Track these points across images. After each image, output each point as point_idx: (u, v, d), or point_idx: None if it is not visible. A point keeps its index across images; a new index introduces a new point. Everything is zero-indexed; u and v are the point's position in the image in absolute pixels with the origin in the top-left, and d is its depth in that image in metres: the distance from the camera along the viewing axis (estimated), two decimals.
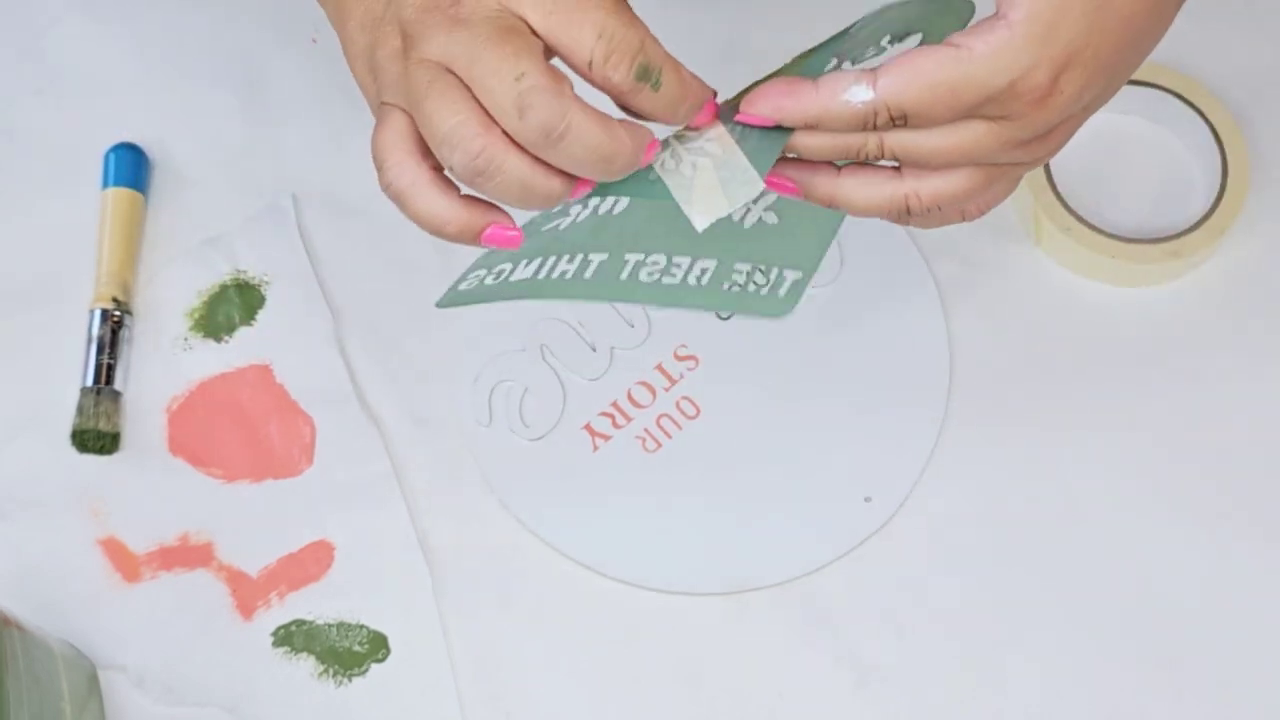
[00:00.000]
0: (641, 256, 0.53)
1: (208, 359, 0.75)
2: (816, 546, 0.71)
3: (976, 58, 0.47)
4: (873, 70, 0.48)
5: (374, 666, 0.69)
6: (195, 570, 0.71)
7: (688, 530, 0.71)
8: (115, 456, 0.72)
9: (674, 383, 0.74)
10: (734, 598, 0.70)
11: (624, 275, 0.53)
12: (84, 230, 0.77)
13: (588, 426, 0.73)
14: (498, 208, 0.49)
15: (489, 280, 0.53)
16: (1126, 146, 0.77)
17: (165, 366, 0.75)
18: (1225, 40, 0.79)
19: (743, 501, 0.72)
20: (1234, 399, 0.73)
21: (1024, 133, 0.49)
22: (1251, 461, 0.72)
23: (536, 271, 0.53)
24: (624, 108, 0.49)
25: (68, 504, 0.72)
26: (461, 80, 0.46)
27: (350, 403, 0.73)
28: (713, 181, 0.49)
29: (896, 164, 0.52)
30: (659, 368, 0.74)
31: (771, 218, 0.54)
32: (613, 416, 0.73)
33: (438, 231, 0.49)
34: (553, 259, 0.53)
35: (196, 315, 0.76)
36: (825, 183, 0.52)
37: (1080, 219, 0.74)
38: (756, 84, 0.51)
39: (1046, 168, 0.75)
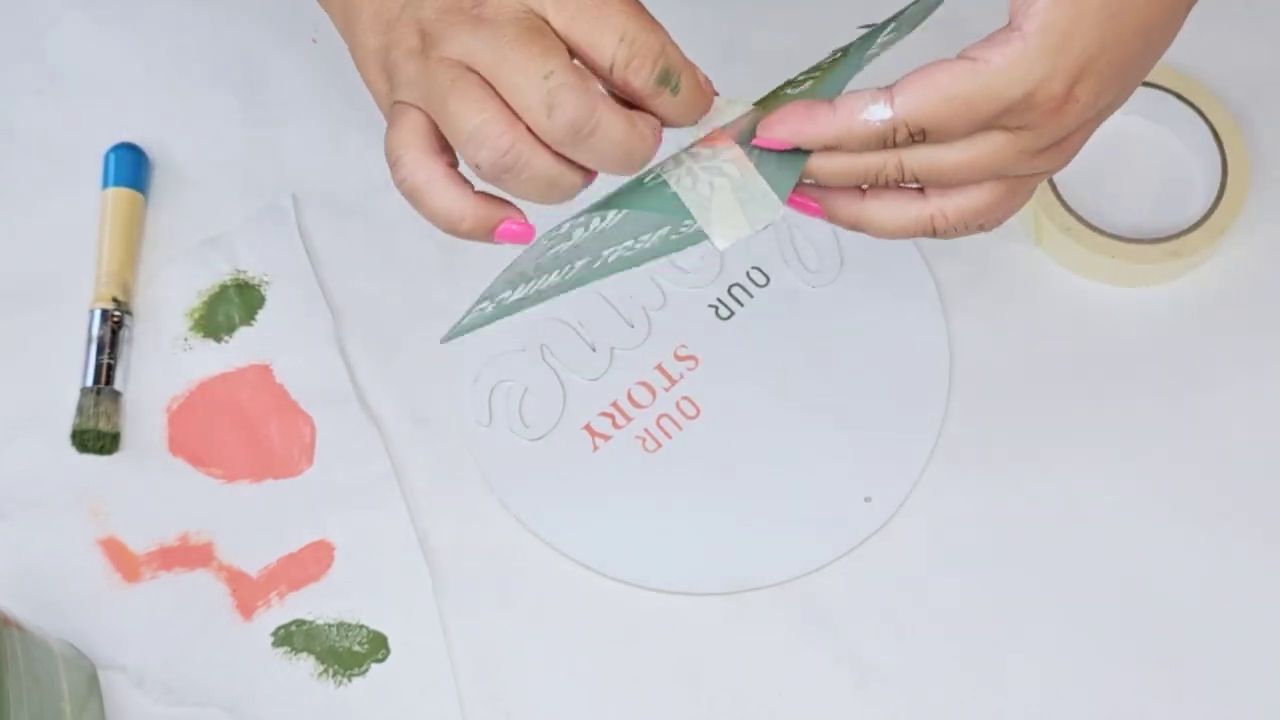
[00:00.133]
0: (615, 246, 0.54)
1: (208, 359, 0.75)
2: (816, 546, 0.71)
3: (992, 70, 0.47)
4: (888, 88, 0.48)
5: (374, 666, 0.69)
6: (195, 570, 0.71)
7: (688, 530, 0.71)
8: (115, 456, 0.72)
9: (674, 383, 0.74)
10: (734, 598, 0.70)
11: (597, 264, 0.54)
12: (84, 230, 0.77)
13: (588, 426, 0.73)
14: (510, 204, 0.49)
15: (489, 309, 0.53)
16: (1126, 146, 0.77)
17: (165, 366, 0.75)
18: (1225, 40, 0.79)
19: (743, 501, 0.72)
20: (1234, 399, 0.73)
21: (1041, 142, 0.49)
22: (1251, 462, 0.72)
23: (528, 289, 0.53)
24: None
25: (68, 504, 0.72)
26: (484, 79, 0.47)
27: (350, 403, 0.73)
28: (732, 203, 0.49)
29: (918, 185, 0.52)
30: (659, 368, 0.74)
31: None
32: (613, 416, 0.73)
33: (453, 227, 0.49)
34: (544, 274, 0.53)
35: (196, 315, 0.76)
36: (850, 205, 0.53)
37: (1080, 219, 0.74)
38: (766, 101, 0.52)
39: None
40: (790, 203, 0.53)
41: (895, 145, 0.49)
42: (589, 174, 0.49)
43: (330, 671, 0.69)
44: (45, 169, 0.79)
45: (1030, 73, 0.47)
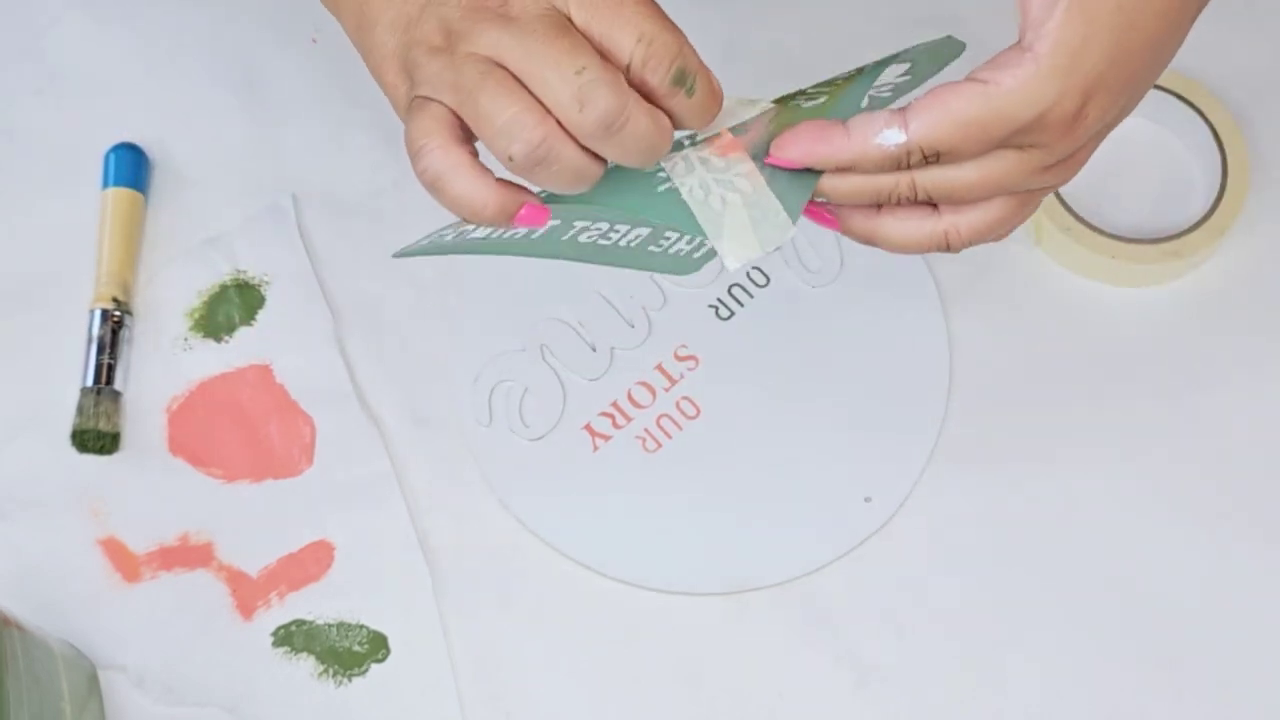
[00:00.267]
0: (588, 224, 0.54)
1: (208, 359, 0.75)
2: (816, 546, 0.71)
3: (1005, 93, 0.47)
4: (902, 111, 0.49)
5: (374, 666, 0.69)
6: (195, 570, 0.71)
7: (688, 530, 0.71)
8: (115, 456, 0.72)
9: (674, 383, 0.74)
10: (734, 598, 0.70)
11: (566, 237, 0.54)
12: (84, 230, 0.77)
13: (588, 426, 0.73)
14: (527, 189, 0.50)
15: (449, 236, 0.54)
16: (1126, 146, 0.77)
17: (165, 366, 0.75)
18: (1225, 40, 0.79)
19: (743, 501, 0.72)
20: (1234, 399, 0.73)
21: (1051, 158, 0.50)
22: (1251, 461, 0.72)
23: (491, 232, 0.53)
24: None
25: (68, 504, 0.72)
26: (512, 74, 0.48)
27: (350, 403, 0.74)
28: (744, 220, 0.49)
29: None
30: (659, 368, 0.74)
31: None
32: (613, 416, 0.73)
33: (476, 214, 0.50)
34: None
35: (196, 315, 0.76)
36: (866, 221, 0.53)
37: (1080, 219, 0.74)
38: (780, 110, 0.52)
39: None
40: (807, 213, 0.54)
41: (909, 167, 0.50)
42: (605, 164, 0.50)
43: (330, 671, 0.69)
44: (45, 169, 0.79)
45: (1043, 94, 0.47)
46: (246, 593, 0.70)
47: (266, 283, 0.76)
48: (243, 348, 0.75)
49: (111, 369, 0.73)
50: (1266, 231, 0.76)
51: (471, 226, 0.53)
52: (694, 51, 0.49)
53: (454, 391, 0.74)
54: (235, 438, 0.73)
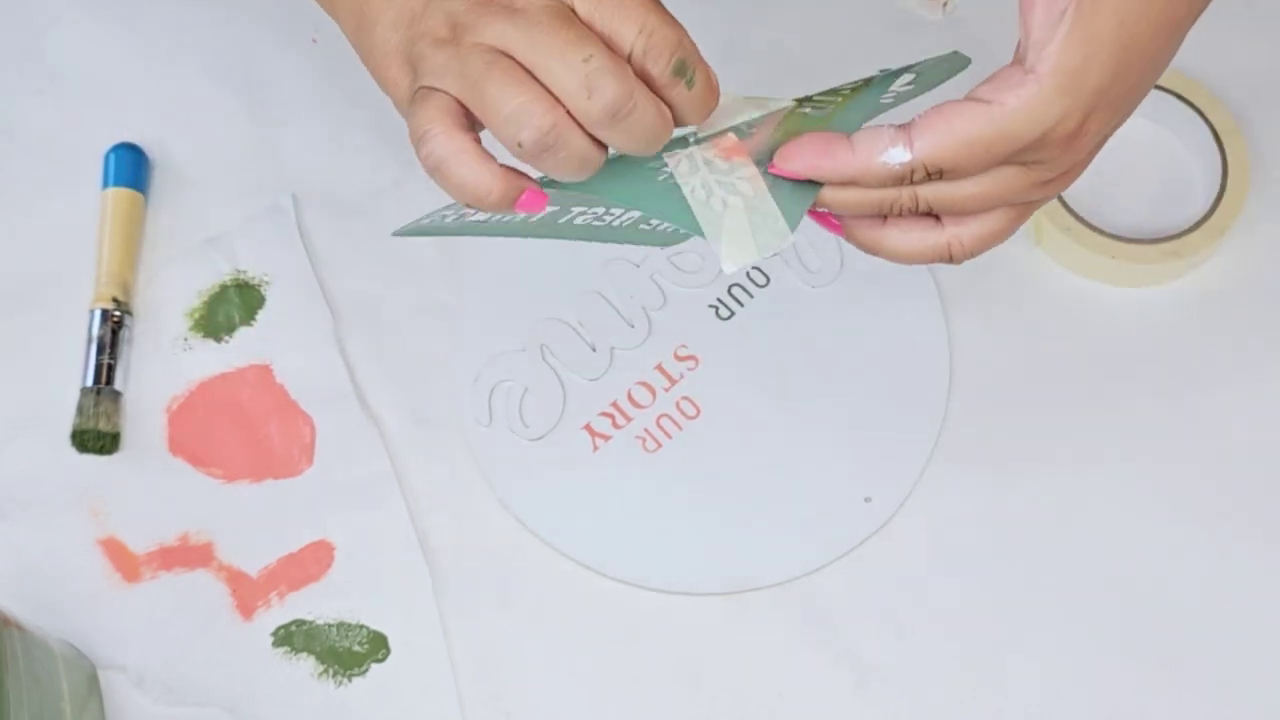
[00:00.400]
0: (584, 208, 0.55)
1: (208, 359, 0.75)
2: (816, 546, 0.71)
3: (1009, 113, 0.48)
4: (906, 129, 0.49)
5: (374, 666, 0.69)
6: (195, 570, 0.71)
7: (688, 530, 0.71)
8: (115, 456, 0.72)
9: (674, 383, 0.74)
10: (734, 598, 0.70)
11: (563, 220, 0.55)
12: (84, 230, 0.77)
13: (588, 426, 0.73)
14: (528, 176, 0.51)
15: (450, 217, 0.54)
16: (1126, 146, 0.77)
17: (165, 366, 0.75)
18: (1225, 40, 0.79)
19: (743, 501, 0.72)
20: (1234, 399, 0.73)
21: (1052, 173, 0.51)
22: (1251, 461, 0.72)
23: (491, 215, 0.54)
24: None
25: (68, 504, 0.72)
26: (519, 63, 0.48)
27: (350, 403, 0.74)
28: (744, 225, 0.49)
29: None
30: (659, 368, 0.74)
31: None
32: (613, 416, 0.73)
33: (480, 199, 0.50)
34: None
35: (196, 315, 0.76)
36: (870, 231, 0.54)
37: (1080, 219, 0.74)
38: (786, 119, 0.52)
39: None
40: (815, 217, 0.55)
41: (912, 183, 0.50)
42: (607, 152, 0.51)
43: (330, 671, 0.69)
44: (45, 169, 0.79)
45: (1046, 114, 0.48)
46: (246, 593, 0.70)
47: (266, 283, 0.76)
48: (243, 348, 0.75)
49: (111, 369, 0.73)
50: (1266, 231, 0.76)
51: (472, 210, 0.54)
52: (693, 45, 0.50)
53: (454, 391, 0.74)
54: (235, 438, 0.73)
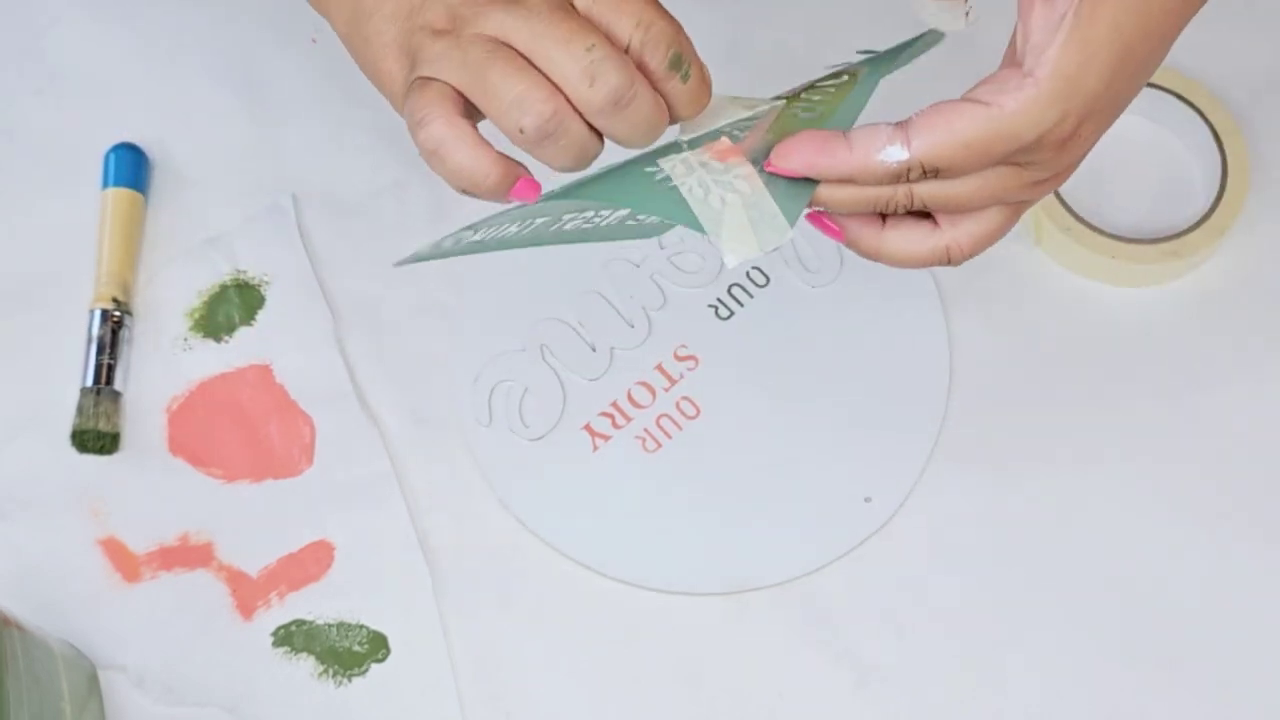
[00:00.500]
0: (575, 214, 0.55)
1: (208, 359, 0.75)
2: (816, 546, 0.71)
3: (1007, 116, 0.49)
4: (904, 127, 0.50)
5: (374, 666, 0.69)
6: (195, 570, 0.71)
7: (688, 530, 0.71)
8: (115, 456, 0.72)
9: (674, 383, 0.74)
10: (734, 598, 0.70)
11: (554, 227, 0.55)
12: (84, 230, 0.76)
13: (588, 426, 0.73)
14: (521, 164, 0.51)
15: (448, 244, 0.55)
16: (1126, 146, 0.77)
17: (165, 366, 0.75)
18: (1225, 40, 0.79)
19: (743, 501, 0.72)
20: (1234, 399, 0.73)
21: (1045, 174, 0.51)
22: (1251, 461, 0.72)
23: (488, 234, 0.55)
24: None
25: (68, 504, 0.72)
26: (520, 53, 0.49)
27: (350, 403, 0.73)
28: (743, 221, 0.50)
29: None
30: (659, 368, 0.74)
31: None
32: (613, 416, 0.73)
33: (476, 184, 0.51)
34: (505, 222, 0.55)
35: (196, 315, 0.76)
36: (871, 236, 0.55)
37: (1080, 219, 0.74)
38: (779, 118, 0.52)
39: None
40: (813, 221, 0.55)
41: (908, 181, 0.51)
42: (603, 143, 0.51)
43: (330, 671, 0.69)
44: (45, 169, 0.79)
45: (1044, 117, 0.49)
46: (246, 593, 0.70)
47: (266, 283, 0.76)
48: (243, 348, 0.75)
49: (111, 369, 0.73)
50: (1266, 231, 0.76)
51: (470, 233, 0.54)
52: (689, 39, 0.51)
53: (454, 391, 0.74)
54: (235, 438, 0.73)
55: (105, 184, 0.77)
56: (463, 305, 0.76)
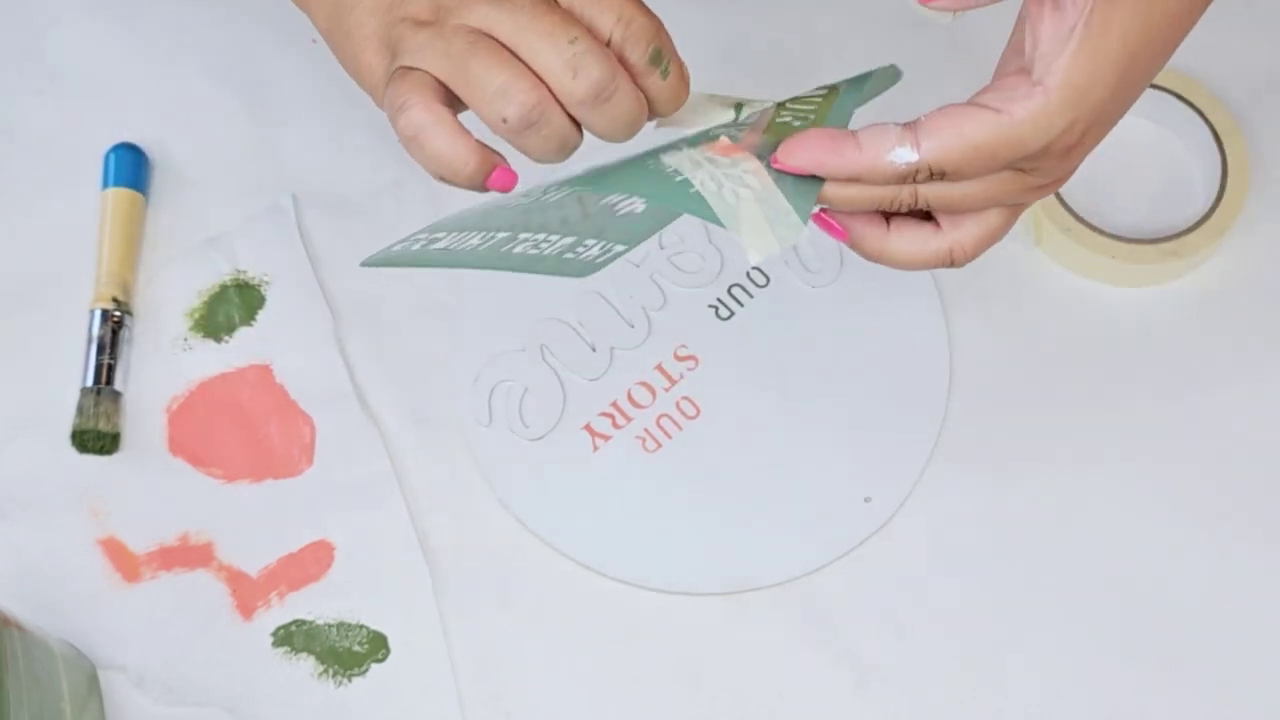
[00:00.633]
0: (529, 235, 0.55)
1: (208, 359, 0.75)
2: (816, 546, 0.71)
3: (1016, 123, 0.49)
4: (913, 128, 0.50)
5: (374, 666, 0.69)
6: (195, 570, 0.71)
7: (688, 530, 0.71)
8: (115, 456, 0.72)
9: (674, 383, 0.74)
10: (734, 598, 0.70)
11: (504, 249, 0.55)
12: (84, 230, 0.77)
13: (588, 426, 0.73)
14: (499, 153, 0.52)
15: (414, 247, 0.55)
16: (1126, 146, 0.77)
17: (165, 366, 0.75)
18: (1225, 40, 0.79)
19: (743, 501, 0.72)
20: (1234, 399, 0.73)
21: (1047, 179, 0.52)
22: (1251, 461, 0.72)
23: (451, 243, 0.55)
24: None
25: (68, 504, 0.72)
26: (502, 44, 0.50)
27: (350, 403, 0.74)
28: (758, 216, 0.50)
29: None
30: (659, 368, 0.74)
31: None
32: (613, 416, 0.73)
33: (455, 171, 0.51)
34: (468, 233, 0.55)
35: (196, 315, 0.76)
36: (876, 239, 0.55)
37: (1080, 219, 0.74)
38: (773, 131, 0.52)
39: None
40: (819, 221, 0.55)
41: (914, 182, 0.51)
42: (582, 136, 0.52)
43: (330, 671, 0.69)
44: (45, 169, 0.79)
45: (1052, 126, 0.49)
46: (246, 593, 0.70)
47: (266, 283, 0.76)
48: (243, 348, 0.75)
49: (111, 369, 0.73)
50: (1266, 231, 0.76)
51: (440, 236, 0.54)
52: (669, 37, 0.51)
53: (454, 391, 0.74)
54: (235, 438, 0.73)
55: (105, 184, 0.77)
56: (463, 305, 0.76)
